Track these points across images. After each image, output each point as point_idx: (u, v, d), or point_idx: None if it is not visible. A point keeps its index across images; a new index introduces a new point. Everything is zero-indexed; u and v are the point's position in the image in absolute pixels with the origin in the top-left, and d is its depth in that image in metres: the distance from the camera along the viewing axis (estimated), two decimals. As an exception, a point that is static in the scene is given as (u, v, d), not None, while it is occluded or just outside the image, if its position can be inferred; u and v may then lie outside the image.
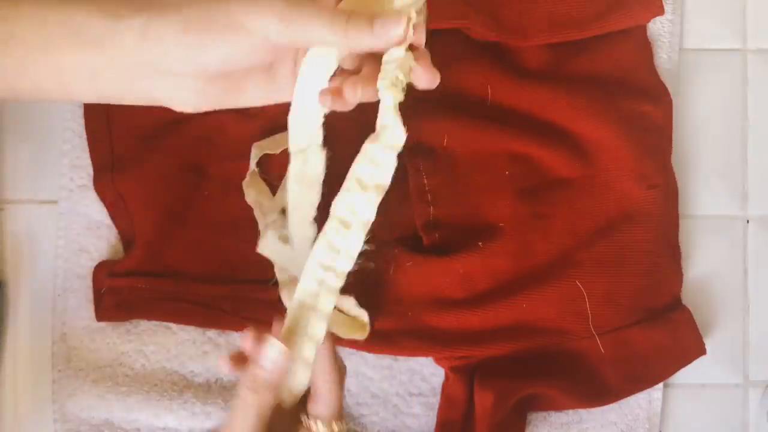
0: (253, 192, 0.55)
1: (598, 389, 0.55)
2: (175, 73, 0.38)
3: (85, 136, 0.56)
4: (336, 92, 0.41)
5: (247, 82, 0.40)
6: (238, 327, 0.55)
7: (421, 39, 0.40)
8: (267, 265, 0.54)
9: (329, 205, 0.41)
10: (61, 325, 0.56)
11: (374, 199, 0.41)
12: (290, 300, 0.42)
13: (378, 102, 0.40)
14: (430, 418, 0.56)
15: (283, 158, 0.47)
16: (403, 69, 0.39)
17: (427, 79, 0.41)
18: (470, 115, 0.55)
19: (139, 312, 0.55)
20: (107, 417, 0.55)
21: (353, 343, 0.55)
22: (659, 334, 0.55)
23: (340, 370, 0.44)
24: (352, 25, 0.37)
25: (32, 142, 0.57)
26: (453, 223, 0.55)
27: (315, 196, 0.46)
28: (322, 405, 0.42)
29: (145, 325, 0.56)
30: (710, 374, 0.58)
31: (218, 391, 0.55)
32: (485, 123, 0.55)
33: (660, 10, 0.57)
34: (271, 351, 0.40)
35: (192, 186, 0.56)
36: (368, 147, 0.40)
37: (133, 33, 0.37)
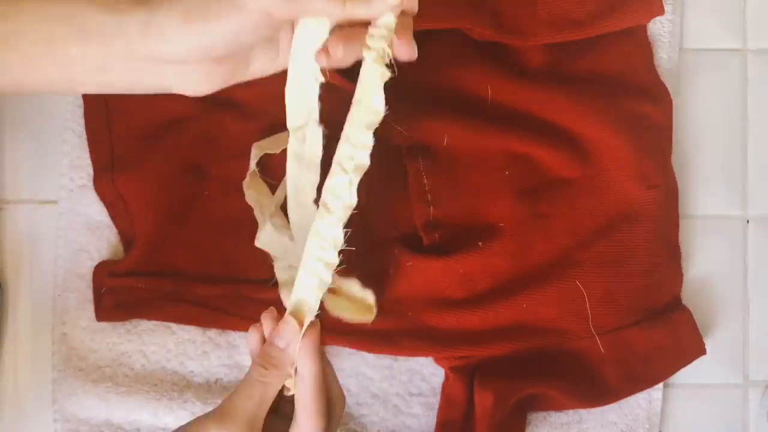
0: (253, 192, 0.55)
1: (598, 389, 0.55)
2: (182, 61, 0.38)
3: (85, 136, 0.56)
4: (326, 51, 0.41)
5: (252, 56, 0.41)
6: (238, 327, 0.55)
7: (413, 4, 0.41)
8: (267, 265, 0.54)
9: None
10: (61, 325, 0.56)
11: (354, 181, 0.41)
12: (290, 299, 0.42)
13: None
14: (430, 418, 0.56)
15: (283, 158, 0.47)
16: (388, 40, 0.40)
17: (406, 51, 0.41)
18: (470, 115, 0.55)
19: (139, 312, 0.55)
20: (107, 417, 0.55)
21: (353, 344, 0.55)
22: (659, 334, 0.55)
23: (333, 400, 0.43)
24: None
25: (32, 143, 0.57)
26: (453, 223, 0.55)
27: (314, 176, 0.45)
28: (300, 430, 0.42)
29: (145, 325, 0.56)
30: (710, 374, 0.58)
31: (218, 391, 0.55)
32: (485, 123, 0.55)
33: (660, 10, 0.57)
34: (286, 328, 0.41)
35: (192, 186, 0.56)
36: (346, 128, 0.41)
37: (136, 27, 0.37)
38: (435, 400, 0.56)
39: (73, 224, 0.56)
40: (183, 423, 0.41)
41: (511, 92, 0.55)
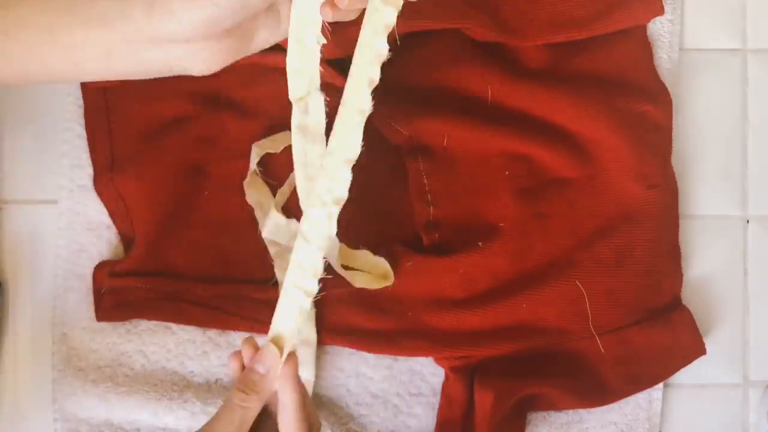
0: (253, 192, 0.55)
1: (598, 389, 0.55)
2: (188, 38, 0.38)
3: (85, 136, 0.56)
4: (331, 3, 0.41)
5: (255, 28, 0.41)
6: (238, 327, 0.55)
7: None
8: (267, 265, 0.54)
9: None
10: (61, 325, 0.56)
11: (333, 214, 0.41)
12: (271, 327, 0.43)
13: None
14: (430, 418, 0.56)
15: (284, 158, 0.47)
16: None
17: None
18: (470, 115, 0.55)
19: (139, 312, 0.55)
20: (107, 417, 0.55)
21: (353, 344, 0.55)
22: (659, 334, 0.55)
23: (312, 426, 0.44)
24: None
25: (32, 143, 0.57)
26: (453, 223, 0.55)
27: (320, 147, 0.44)
28: None
29: (145, 325, 0.56)
30: (710, 374, 0.58)
31: (218, 391, 0.55)
32: (485, 123, 0.55)
33: (660, 10, 0.57)
34: (266, 354, 0.42)
35: (192, 186, 0.56)
36: (326, 161, 0.41)
37: (140, 8, 0.37)
38: (435, 400, 0.56)
39: (73, 224, 0.56)
40: (183, 423, 0.42)
41: (511, 92, 0.55)
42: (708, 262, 0.59)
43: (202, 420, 0.54)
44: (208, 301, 0.55)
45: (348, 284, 0.52)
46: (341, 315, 0.55)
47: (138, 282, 0.55)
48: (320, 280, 0.42)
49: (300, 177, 0.45)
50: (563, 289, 0.55)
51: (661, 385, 0.57)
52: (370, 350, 0.55)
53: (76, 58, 0.38)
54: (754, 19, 0.60)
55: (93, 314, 0.55)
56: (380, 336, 0.54)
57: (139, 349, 0.56)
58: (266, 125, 0.55)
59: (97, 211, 0.56)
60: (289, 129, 0.44)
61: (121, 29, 0.37)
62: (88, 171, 0.56)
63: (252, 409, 0.41)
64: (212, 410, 0.54)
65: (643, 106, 0.56)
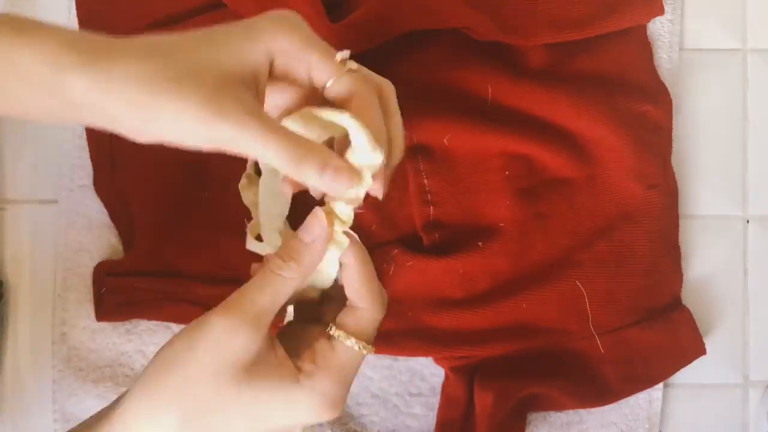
0: (249, 193, 0.55)
1: (598, 389, 0.55)
2: (125, 128, 0.36)
3: (85, 136, 0.56)
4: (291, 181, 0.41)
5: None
6: (238, 327, 0.55)
7: (378, 192, 0.40)
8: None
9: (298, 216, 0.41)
10: (61, 325, 0.56)
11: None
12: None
13: None
14: (430, 418, 0.56)
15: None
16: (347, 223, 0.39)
17: (376, 189, 0.40)
18: (470, 115, 0.55)
19: (139, 312, 0.55)
20: (107, 417, 0.55)
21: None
22: (659, 334, 0.55)
23: (383, 297, 0.40)
24: (304, 162, 0.36)
25: (32, 142, 0.57)
26: (453, 223, 0.55)
27: (284, 209, 0.45)
28: (353, 317, 0.39)
29: (145, 325, 0.56)
30: (710, 374, 0.58)
31: (218, 391, 0.55)
32: (485, 123, 0.55)
33: (660, 10, 0.57)
34: (314, 222, 0.38)
35: (192, 186, 0.56)
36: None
37: (79, 92, 0.35)
38: (435, 400, 0.56)
39: (73, 224, 0.56)
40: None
41: (511, 92, 0.55)
42: (708, 262, 0.59)
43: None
44: (209, 301, 0.55)
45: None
46: (341, 315, 0.55)
47: (138, 282, 0.55)
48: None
49: (264, 229, 0.45)
50: (563, 289, 0.55)
51: (661, 385, 0.57)
52: (370, 350, 0.55)
53: (18, 107, 0.36)
54: (754, 19, 0.60)
55: (93, 314, 0.55)
56: (380, 336, 0.54)
57: (139, 349, 0.56)
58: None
59: (97, 211, 0.56)
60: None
61: (59, 98, 0.35)
62: (88, 171, 0.56)
63: (289, 279, 0.38)
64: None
65: (643, 106, 0.56)
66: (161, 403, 0.37)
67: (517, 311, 0.54)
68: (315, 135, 0.40)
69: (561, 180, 0.56)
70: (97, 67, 0.35)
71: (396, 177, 0.56)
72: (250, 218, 0.54)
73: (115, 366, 0.55)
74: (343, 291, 0.40)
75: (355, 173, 0.38)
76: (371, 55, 0.53)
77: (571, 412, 0.57)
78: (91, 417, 0.41)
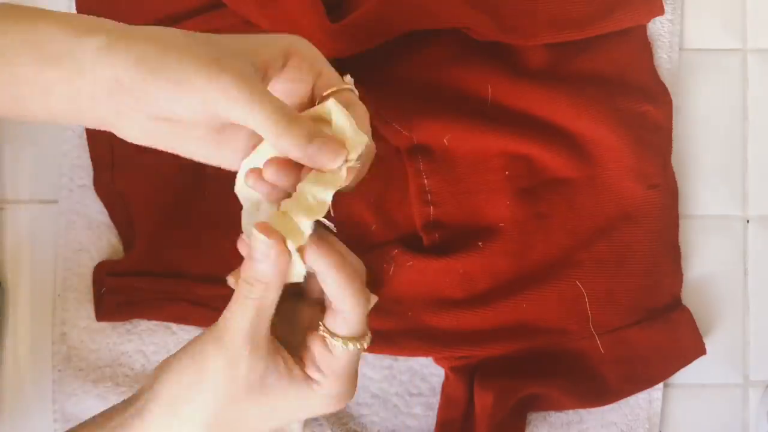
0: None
1: (598, 389, 0.55)
2: (123, 104, 0.37)
3: (85, 136, 0.56)
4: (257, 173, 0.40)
5: (192, 135, 0.39)
6: (238, 327, 0.55)
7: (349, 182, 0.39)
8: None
9: None
10: (61, 325, 0.56)
11: None
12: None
13: None
14: (430, 418, 0.56)
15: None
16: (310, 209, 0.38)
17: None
18: (470, 115, 0.55)
19: (139, 312, 0.55)
20: (107, 417, 0.55)
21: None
22: (659, 334, 0.55)
23: (365, 292, 0.40)
24: (289, 131, 0.36)
25: (32, 142, 0.57)
26: (453, 223, 0.55)
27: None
28: (339, 320, 0.39)
29: (145, 325, 0.56)
30: (710, 374, 0.58)
31: (218, 391, 0.55)
32: (485, 123, 0.55)
33: (660, 10, 0.57)
34: (255, 240, 0.38)
35: (192, 186, 0.56)
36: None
37: (91, 53, 0.36)
38: (435, 400, 0.56)
39: (73, 224, 0.56)
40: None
41: (511, 92, 0.55)
42: (708, 262, 0.59)
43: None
44: (208, 301, 0.55)
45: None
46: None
47: (138, 282, 0.55)
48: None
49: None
50: (563, 289, 0.55)
51: (661, 385, 0.57)
52: (369, 350, 0.55)
53: (17, 92, 0.37)
54: (754, 19, 0.60)
55: (93, 314, 0.55)
56: (380, 336, 0.54)
57: (139, 349, 0.56)
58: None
59: (97, 211, 0.56)
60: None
61: (67, 69, 0.36)
62: (88, 171, 0.56)
63: (264, 298, 0.38)
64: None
65: (643, 106, 0.56)
66: (185, 420, 0.39)
67: (517, 311, 0.54)
68: None
69: (561, 180, 0.56)
70: (112, 29, 0.37)
71: (396, 177, 0.56)
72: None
73: (115, 366, 0.55)
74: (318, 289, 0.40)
75: (341, 145, 0.37)
76: (371, 55, 0.53)
77: (571, 412, 0.57)
78: None
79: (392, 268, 0.55)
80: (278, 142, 0.37)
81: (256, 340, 0.38)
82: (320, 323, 0.40)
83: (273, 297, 0.38)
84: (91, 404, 0.54)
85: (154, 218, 0.55)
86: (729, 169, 0.59)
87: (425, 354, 0.56)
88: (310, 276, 0.40)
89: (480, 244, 0.55)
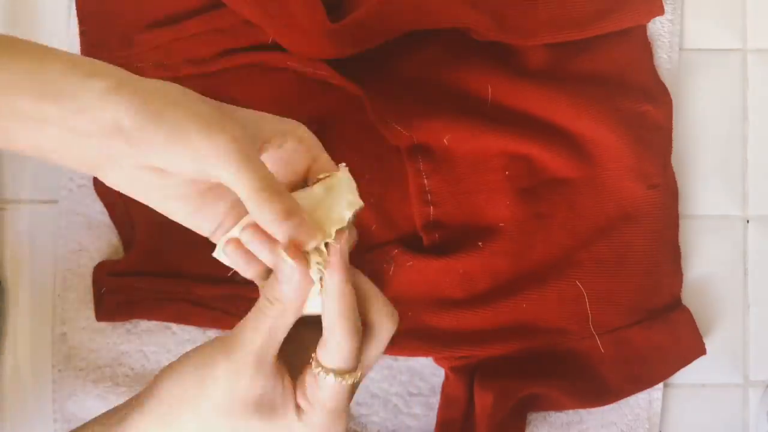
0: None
1: (598, 389, 0.55)
2: (116, 149, 0.37)
3: (85, 136, 0.56)
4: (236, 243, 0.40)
5: (177, 191, 0.39)
6: (238, 327, 0.55)
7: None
8: (267, 265, 0.54)
9: None
10: (61, 325, 0.56)
11: None
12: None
13: None
14: (430, 418, 0.56)
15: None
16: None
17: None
18: (470, 115, 0.55)
19: (139, 312, 0.55)
20: (107, 417, 0.55)
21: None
22: (659, 334, 0.55)
23: (374, 320, 0.39)
24: (269, 204, 0.36)
25: (32, 142, 0.57)
26: (453, 223, 0.55)
27: None
28: (328, 354, 0.38)
29: (145, 325, 0.56)
30: (710, 374, 0.58)
31: (218, 391, 0.55)
32: (485, 123, 0.55)
33: (660, 10, 0.57)
34: (283, 264, 0.38)
35: (192, 186, 0.56)
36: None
37: (95, 92, 0.36)
38: (435, 400, 0.56)
39: (73, 224, 0.56)
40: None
41: (511, 92, 0.56)
42: (708, 262, 0.59)
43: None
44: (208, 302, 0.55)
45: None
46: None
47: (138, 282, 0.55)
48: None
49: None
50: (563, 289, 0.55)
51: (661, 385, 0.57)
52: (370, 350, 0.55)
53: (7, 123, 0.37)
54: (754, 19, 0.60)
55: (93, 314, 0.55)
56: (380, 336, 0.54)
57: (139, 349, 0.56)
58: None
59: (97, 211, 0.56)
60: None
61: (64, 107, 0.36)
62: (88, 171, 0.56)
63: (280, 318, 0.38)
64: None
65: (643, 106, 0.56)
66: (179, 426, 0.39)
67: (517, 311, 0.54)
68: None
69: (561, 180, 0.56)
70: (119, 74, 0.37)
71: (396, 177, 0.56)
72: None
73: (115, 366, 0.55)
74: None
75: (315, 230, 0.38)
76: (371, 55, 0.53)
77: (571, 412, 0.57)
78: None
79: (392, 268, 0.55)
80: (257, 212, 0.37)
81: (264, 359, 0.38)
82: (313, 354, 0.39)
83: (289, 320, 0.38)
84: (91, 404, 0.54)
85: (154, 218, 0.55)
86: (729, 169, 0.59)
87: (425, 354, 0.56)
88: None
89: (480, 244, 0.55)
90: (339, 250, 0.38)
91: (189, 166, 0.37)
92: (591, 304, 0.55)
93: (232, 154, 0.36)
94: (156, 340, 0.56)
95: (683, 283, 0.58)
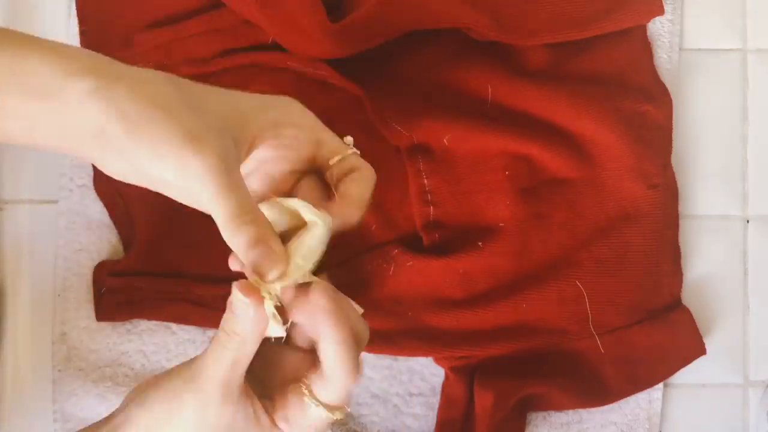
0: None
1: (598, 389, 0.55)
2: (107, 149, 0.37)
3: (85, 136, 0.56)
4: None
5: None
6: (238, 327, 0.55)
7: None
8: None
9: None
10: (61, 325, 0.56)
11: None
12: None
13: None
14: (430, 418, 0.56)
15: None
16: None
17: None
18: (470, 115, 0.55)
19: (139, 312, 0.55)
20: (107, 417, 0.55)
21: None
22: (659, 334, 0.55)
23: (358, 367, 0.39)
24: (239, 232, 0.36)
25: (32, 142, 0.57)
26: (453, 223, 0.55)
27: None
28: (325, 387, 0.38)
29: (145, 325, 0.56)
30: (710, 374, 0.58)
31: (218, 391, 0.55)
32: (485, 123, 0.55)
33: (660, 10, 0.57)
34: (236, 300, 0.37)
35: (192, 186, 0.56)
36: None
37: (77, 94, 0.36)
38: (435, 400, 0.56)
39: (73, 224, 0.56)
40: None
41: (511, 92, 0.55)
42: (708, 262, 0.59)
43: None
44: (208, 301, 0.55)
45: (347, 283, 0.52)
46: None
47: (138, 282, 0.55)
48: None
49: None
50: (563, 289, 0.55)
51: (661, 385, 0.57)
52: (369, 350, 0.55)
53: (1, 122, 0.37)
54: (754, 19, 0.60)
55: (93, 314, 0.55)
56: (380, 336, 0.54)
57: (139, 349, 0.56)
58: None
59: (97, 211, 0.56)
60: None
61: (53, 107, 0.36)
62: (88, 171, 0.56)
63: (240, 350, 0.37)
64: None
65: (643, 106, 0.56)
66: None
67: (517, 311, 0.54)
68: (284, 222, 0.40)
69: (561, 180, 0.56)
70: (101, 69, 0.36)
71: (396, 177, 0.56)
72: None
73: (115, 366, 0.55)
74: (303, 333, 0.40)
75: (283, 262, 0.37)
76: (371, 55, 0.53)
77: (571, 412, 0.57)
78: None
79: (392, 268, 0.55)
80: (228, 239, 0.37)
81: (229, 388, 0.38)
82: (304, 380, 0.39)
83: (250, 350, 0.38)
84: (91, 404, 0.54)
85: (154, 218, 0.55)
86: (729, 169, 0.59)
87: (425, 354, 0.56)
88: (294, 326, 0.39)
89: (480, 244, 0.55)
90: (325, 294, 0.38)
91: (171, 180, 0.37)
92: (591, 304, 0.55)
93: (207, 176, 0.36)
94: (156, 340, 0.56)
95: (683, 283, 0.58)
